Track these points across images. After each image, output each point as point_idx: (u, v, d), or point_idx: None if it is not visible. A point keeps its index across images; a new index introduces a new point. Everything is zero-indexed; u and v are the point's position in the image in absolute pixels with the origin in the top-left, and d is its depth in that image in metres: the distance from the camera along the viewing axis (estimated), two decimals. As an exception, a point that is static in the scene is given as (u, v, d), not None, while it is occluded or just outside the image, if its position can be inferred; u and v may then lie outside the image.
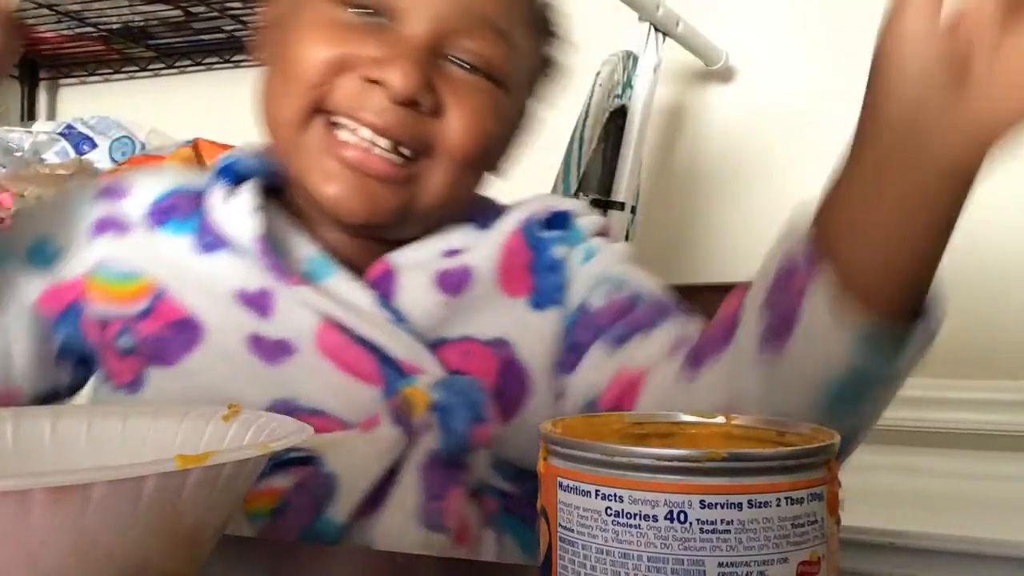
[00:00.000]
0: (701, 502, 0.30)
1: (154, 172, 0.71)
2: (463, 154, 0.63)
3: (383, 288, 0.63)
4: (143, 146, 1.79)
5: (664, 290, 0.68)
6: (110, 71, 2.10)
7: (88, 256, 0.65)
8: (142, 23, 1.91)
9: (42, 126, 1.92)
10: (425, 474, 0.56)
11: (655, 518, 0.30)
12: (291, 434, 0.39)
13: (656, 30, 1.43)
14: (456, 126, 0.62)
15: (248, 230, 0.62)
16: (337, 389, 0.59)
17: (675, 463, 0.30)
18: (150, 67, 2.06)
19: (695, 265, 1.67)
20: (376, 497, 0.56)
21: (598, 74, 1.42)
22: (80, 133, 1.84)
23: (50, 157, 1.81)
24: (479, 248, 0.66)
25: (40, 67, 2.15)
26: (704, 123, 1.69)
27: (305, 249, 0.64)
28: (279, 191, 0.68)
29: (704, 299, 0.78)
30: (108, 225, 0.66)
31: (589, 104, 1.41)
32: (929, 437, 1.44)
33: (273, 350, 0.60)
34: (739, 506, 0.30)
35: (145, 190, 0.68)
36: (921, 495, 1.31)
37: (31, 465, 0.45)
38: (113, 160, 1.78)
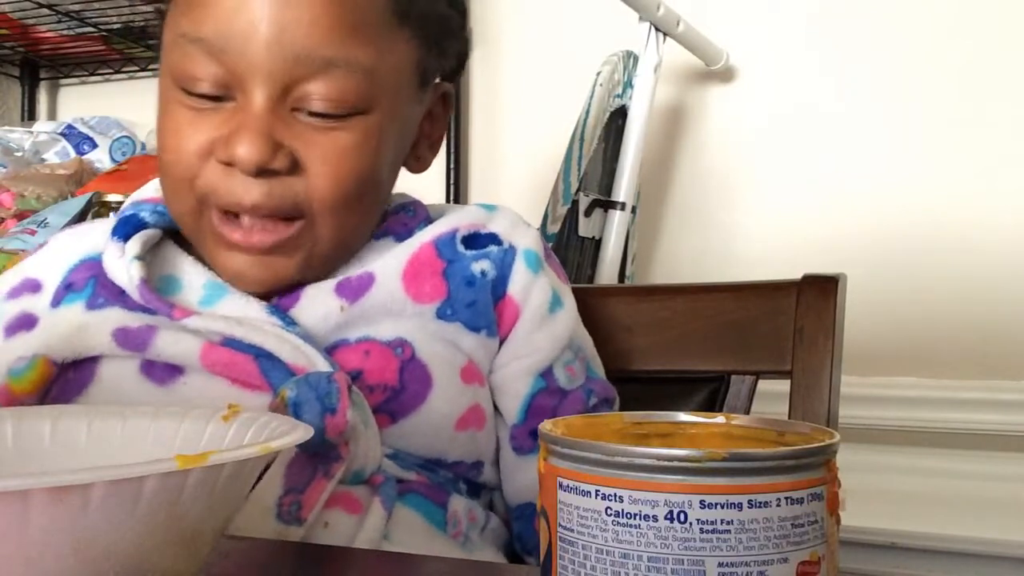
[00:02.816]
0: (701, 502, 0.30)
1: (68, 243, 0.72)
2: (334, 203, 0.63)
3: (285, 298, 0.65)
4: (143, 146, 1.79)
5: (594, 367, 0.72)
6: (110, 71, 2.10)
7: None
8: (142, 23, 1.91)
9: (42, 126, 1.92)
10: (287, 469, 0.57)
11: (655, 518, 0.30)
12: (291, 434, 0.39)
13: (656, 30, 1.43)
14: (319, 178, 0.63)
15: (132, 278, 0.64)
16: (229, 401, 0.61)
17: (675, 463, 0.30)
18: (150, 67, 2.05)
19: (695, 265, 1.67)
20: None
21: (598, 74, 1.42)
22: (80, 133, 1.84)
23: (50, 157, 1.81)
24: (388, 257, 0.67)
25: (40, 67, 2.16)
26: (704, 123, 1.69)
27: (200, 277, 0.66)
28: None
29: (705, 299, 0.78)
30: (19, 326, 0.67)
31: (589, 104, 1.41)
32: (929, 437, 1.44)
33: (164, 372, 0.62)
34: (739, 506, 0.30)
35: (55, 273, 0.70)
36: (921, 495, 1.31)
37: (31, 465, 0.45)
38: (113, 160, 1.78)
